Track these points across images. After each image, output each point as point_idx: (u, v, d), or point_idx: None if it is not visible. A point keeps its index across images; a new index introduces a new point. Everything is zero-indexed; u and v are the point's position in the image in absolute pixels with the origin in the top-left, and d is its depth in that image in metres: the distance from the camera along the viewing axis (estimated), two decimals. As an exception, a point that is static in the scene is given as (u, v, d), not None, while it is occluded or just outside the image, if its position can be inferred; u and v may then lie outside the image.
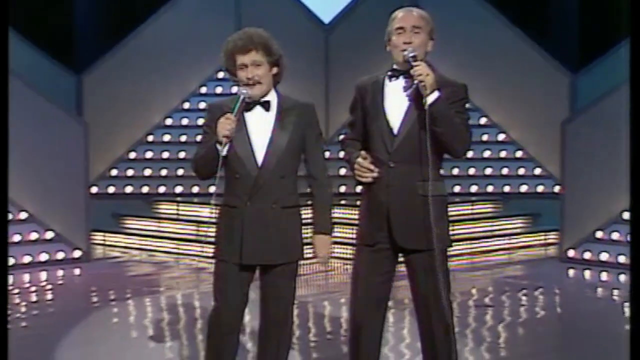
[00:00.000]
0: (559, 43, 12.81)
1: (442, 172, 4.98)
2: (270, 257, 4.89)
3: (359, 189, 5.01)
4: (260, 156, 4.83)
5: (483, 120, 12.61)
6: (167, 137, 12.61)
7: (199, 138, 5.06)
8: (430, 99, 4.65)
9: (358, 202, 5.08)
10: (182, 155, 12.33)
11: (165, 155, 12.46)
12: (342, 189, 11.84)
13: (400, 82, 4.82)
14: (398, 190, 4.79)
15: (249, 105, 4.84)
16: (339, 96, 12.16)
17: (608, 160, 10.27)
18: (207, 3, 12.37)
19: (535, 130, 12.25)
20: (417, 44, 4.77)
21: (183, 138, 12.51)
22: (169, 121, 12.71)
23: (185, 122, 12.67)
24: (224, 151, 4.72)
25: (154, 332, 7.41)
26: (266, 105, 4.87)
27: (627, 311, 8.29)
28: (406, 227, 4.79)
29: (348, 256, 9.75)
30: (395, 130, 4.80)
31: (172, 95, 12.56)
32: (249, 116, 4.85)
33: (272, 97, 4.90)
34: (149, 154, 12.47)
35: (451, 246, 4.96)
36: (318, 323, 7.70)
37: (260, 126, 4.86)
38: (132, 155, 12.49)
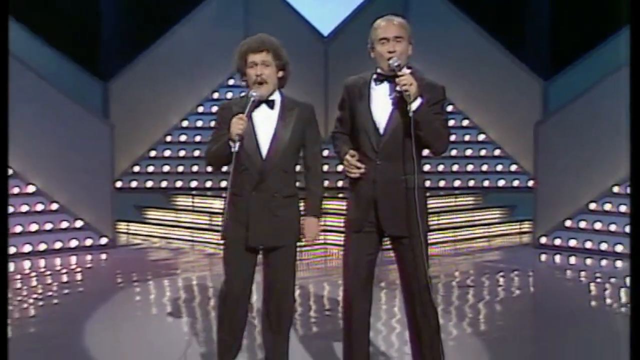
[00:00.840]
0: (532, 54, 12.83)
1: (427, 167, 4.98)
2: (272, 240, 4.90)
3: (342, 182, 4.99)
4: (264, 151, 4.83)
5: (465, 122, 12.62)
6: (183, 138, 12.61)
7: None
8: (414, 105, 4.63)
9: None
10: (196, 153, 12.34)
11: (182, 153, 12.47)
12: (340, 183, 11.83)
13: (385, 85, 4.80)
14: (384, 185, 4.78)
15: (255, 105, 4.85)
16: (337, 100, 12.12)
17: (576, 158, 10.30)
18: (218, 18, 12.37)
19: (511, 131, 12.26)
20: (400, 52, 4.74)
21: (197, 138, 12.51)
22: (185, 123, 12.72)
23: (199, 124, 12.66)
24: (235, 147, 4.72)
25: (171, 309, 7.43)
26: (271, 104, 4.87)
27: (592, 289, 8.33)
28: (392, 216, 4.78)
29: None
30: (382, 130, 4.77)
31: (187, 100, 12.57)
32: (255, 114, 4.84)
33: (276, 97, 4.90)
34: (167, 153, 12.49)
35: (429, 231, 4.95)
36: (318, 302, 7.71)
37: (265, 123, 4.86)
38: (152, 153, 12.50)
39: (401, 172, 4.75)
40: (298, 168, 4.99)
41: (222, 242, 4.97)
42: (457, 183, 12.18)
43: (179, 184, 12.16)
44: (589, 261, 9.55)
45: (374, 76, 4.84)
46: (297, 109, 4.91)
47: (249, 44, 4.87)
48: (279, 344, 5.05)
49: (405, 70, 4.75)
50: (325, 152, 12.44)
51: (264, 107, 4.86)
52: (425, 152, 4.92)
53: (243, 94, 4.97)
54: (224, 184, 11.01)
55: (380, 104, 4.80)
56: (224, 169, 4.91)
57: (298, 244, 5.02)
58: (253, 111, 4.83)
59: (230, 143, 4.72)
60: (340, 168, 11.89)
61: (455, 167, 12.33)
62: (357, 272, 4.90)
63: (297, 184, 4.96)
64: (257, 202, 4.84)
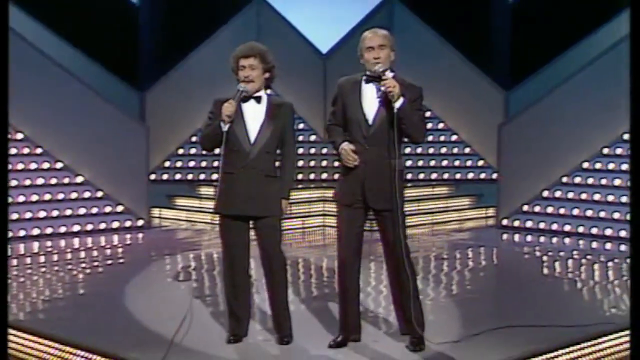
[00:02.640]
0: (496, 69, 12.79)
1: (409, 162, 4.99)
2: (257, 211, 4.93)
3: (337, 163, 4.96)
4: (252, 136, 4.91)
5: (440, 125, 12.54)
6: (206, 138, 12.59)
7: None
8: (398, 104, 4.70)
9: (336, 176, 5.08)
10: (216, 151, 12.23)
11: (205, 151, 12.42)
12: (336, 176, 11.81)
13: (373, 85, 4.84)
14: (372, 166, 4.80)
15: (246, 98, 4.92)
16: (334, 109, 12.15)
17: (532, 154, 10.32)
18: (235, 39, 12.15)
19: (479, 132, 12.21)
20: (384, 58, 4.81)
21: (218, 139, 12.48)
22: (208, 126, 12.71)
23: (220, 126, 12.65)
24: (225, 128, 4.79)
25: (196, 276, 7.47)
26: (258, 100, 4.95)
27: (545, 261, 8.34)
28: (377, 193, 4.80)
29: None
30: (370, 121, 4.81)
31: (209, 107, 12.51)
32: (246, 107, 4.93)
33: (262, 94, 4.99)
34: (192, 150, 12.44)
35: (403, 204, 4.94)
36: (317, 271, 7.73)
37: (254, 114, 4.94)
38: (180, 151, 12.45)
39: (386, 156, 4.79)
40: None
41: (214, 212, 5.01)
42: (433, 175, 12.17)
43: (202, 176, 12.13)
44: (542, 239, 9.55)
45: (364, 77, 4.88)
46: (280, 105, 5.02)
47: (240, 50, 4.97)
48: (280, 300, 5.08)
49: (389, 74, 4.80)
50: (324, 150, 12.51)
51: (252, 102, 4.95)
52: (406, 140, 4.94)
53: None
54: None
55: (369, 100, 4.85)
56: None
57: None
58: (241, 101, 4.90)
59: (221, 124, 4.79)
60: (336, 163, 11.94)
61: (432, 163, 12.32)
62: (348, 242, 4.92)
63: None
64: (245, 178, 4.88)
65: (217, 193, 4.93)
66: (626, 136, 9.96)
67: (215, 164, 13.15)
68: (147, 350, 4.83)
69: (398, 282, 4.94)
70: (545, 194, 10.22)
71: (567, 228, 9.67)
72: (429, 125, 11.80)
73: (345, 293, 5.01)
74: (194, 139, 12.54)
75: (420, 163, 12.24)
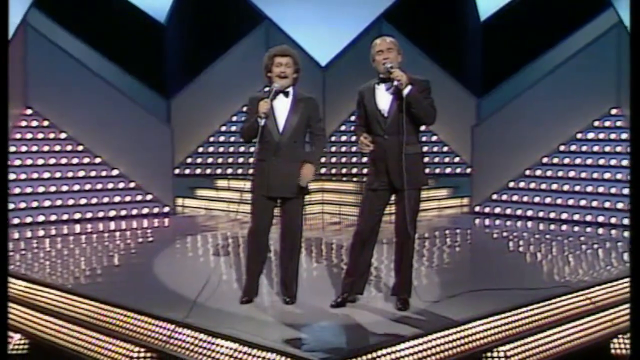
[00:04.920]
0: (469, 79, 12.80)
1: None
2: (286, 192, 4.97)
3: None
4: (281, 126, 4.93)
5: (423, 127, 12.54)
6: (222, 138, 12.50)
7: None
8: (406, 91, 4.73)
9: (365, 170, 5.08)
10: (231, 149, 12.32)
11: (221, 149, 12.39)
12: (333, 170, 11.85)
13: (385, 84, 4.88)
14: (391, 153, 4.80)
15: (276, 94, 4.94)
16: (332, 115, 12.16)
17: (500, 151, 10.35)
18: (247, 54, 12.30)
19: (455, 133, 12.20)
20: (392, 58, 4.84)
21: (232, 139, 12.38)
22: (223, 128, 12.61)
23: (233, 128, 12.53)
24: (262, 123, 4.82)
25: (212, 252, 7.51)
26: (287, 94, 4.97)
27: (510, 239, 8.36)
28: (398, 174, 4.80)
29: (348, 214, 9.92)
30: (386, 114, 4.83)
31: (226, 111, 12.50)
32: (275, 102, 4.94)
33: (291, 90, 5.00)
34: (210, 149, 12.42)
35: (427, 184, 4.99)
36: (317, 248, 7.73)
37: (282, 108, 4.96)
38: (200, 149, 12.41)
39: (402, 142, 4.78)
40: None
41: (250, 192, 5.03)
42: (416, 170, 12.19)
43: (218, 171, 12.13)
44: (508, 222, 9.57)
45: (377, 80, 4.94)
46: (304, 99, 5.03)
47: (279, 49, 5.00)
48: (291, 268, 5.13)
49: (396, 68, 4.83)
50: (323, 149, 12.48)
51: (281, 96, 4.95)
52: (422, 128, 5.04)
53: (267, 89, 5.05)
54: (250, 171, 11.00)
55: (383, 97, 4.88)
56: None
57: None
58: (274, 98, 4.92)
59: (258, 120, 4.82)
60: (334, 160, 11.99)
61: (415, 160, 12.35)
62: (368, 219, 4.95)
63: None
64: (276, 165, 4.92)
65: (253, 177, 4.95)
66: (579, 135, 10.14)
67: (230, 160, 13.10)
68: (172, 308, 4.89)
69: (402, 251, 4.98)
70: (511, 185, 10.26)
71: (529, 213, 9.73)
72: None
73: (356, 262, 5.04)
74: (211, 139, 12.56)
75: (405, 160, 12.25)
